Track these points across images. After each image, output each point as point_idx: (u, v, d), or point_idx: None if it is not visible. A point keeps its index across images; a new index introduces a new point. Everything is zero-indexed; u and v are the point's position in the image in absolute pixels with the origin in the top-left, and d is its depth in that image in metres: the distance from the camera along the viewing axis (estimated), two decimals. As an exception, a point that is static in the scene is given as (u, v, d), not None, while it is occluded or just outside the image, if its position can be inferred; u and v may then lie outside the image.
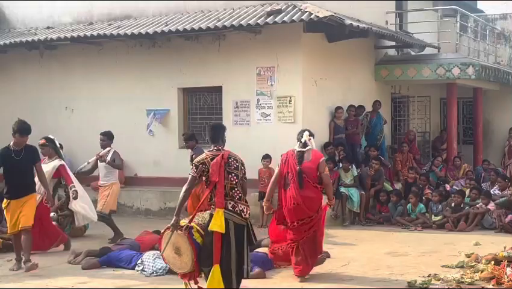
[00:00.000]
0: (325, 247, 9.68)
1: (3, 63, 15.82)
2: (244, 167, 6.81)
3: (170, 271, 8.08)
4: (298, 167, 7.84)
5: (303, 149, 7.98)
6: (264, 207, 8.30)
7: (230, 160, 6.66)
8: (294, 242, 8.03)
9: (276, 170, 8.25)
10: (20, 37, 14.87)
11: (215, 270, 6.43)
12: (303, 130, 8.27)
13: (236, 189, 6.62)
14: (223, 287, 6.46)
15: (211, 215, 6.54)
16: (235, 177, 6.62)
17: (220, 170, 6.52)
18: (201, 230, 6.71)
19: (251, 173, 12.05)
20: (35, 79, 15.49)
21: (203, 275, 6.81)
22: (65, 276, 8.52)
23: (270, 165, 12.63)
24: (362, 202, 12.87)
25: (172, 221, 6.70)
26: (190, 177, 6.68)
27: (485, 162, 16.56)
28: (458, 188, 13.63)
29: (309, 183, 7.86)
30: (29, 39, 14.51)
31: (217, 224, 6.44)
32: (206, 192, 6.60)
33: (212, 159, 6.59)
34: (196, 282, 6.95)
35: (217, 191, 6.49)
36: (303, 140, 8.02)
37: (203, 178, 6.64)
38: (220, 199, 6.47)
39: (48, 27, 15.44)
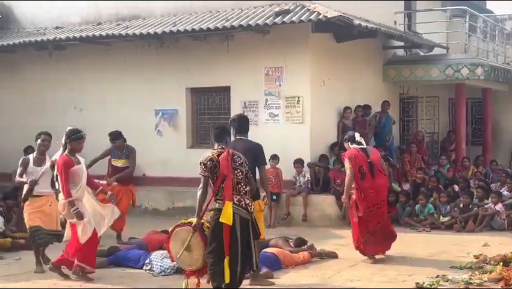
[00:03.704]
0: (332, 248, 9.69)
1: (12, 63, 15.87)
2: (247, 165, 6.98)
3: (178, 271, 8.09)
4: (369, 160, 8.88)
5: (365, 146, 9.05)
6: (345, 203, 9.32)
7: (235, 157, 6.86)
8: (368, 229, 8.96)
9: (348, 169, 8.83)
10: (29, 37, 14.90)
11: (226, 262, 6.57)
12: (354, 132, 9.36)
13: (242, 184, 6.80)
14: (229, 281, 6.59)
15: (218, 210, 6.69)
16: (240, 173, 6.81)
17: (228, 164, 6.70)
18: (208, 225, 6.89)
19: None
20: (43, 79, 15.52)
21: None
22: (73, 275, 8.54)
23: (277, 166, 12.62)
24: (370, 203, 12.83)
25: (194, 222, 6.87)
26: (202, 178, 6.82)
27: (493, 162, 16.48)
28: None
29: (380, 173, 8.99)
30: (38, 39, 14.55)
31: (226, 216, 6.58)
32: (214, 187, 6.74)
33: (218, 156, 6.76)
34: (199, 283, 7.07)
35: (225, 185, 6.65)
36: (357, 140, 8.97)
37: (211, 175, 6.75)
38: (228, 192, 6.64)
39: (57, 28, 15.48)
